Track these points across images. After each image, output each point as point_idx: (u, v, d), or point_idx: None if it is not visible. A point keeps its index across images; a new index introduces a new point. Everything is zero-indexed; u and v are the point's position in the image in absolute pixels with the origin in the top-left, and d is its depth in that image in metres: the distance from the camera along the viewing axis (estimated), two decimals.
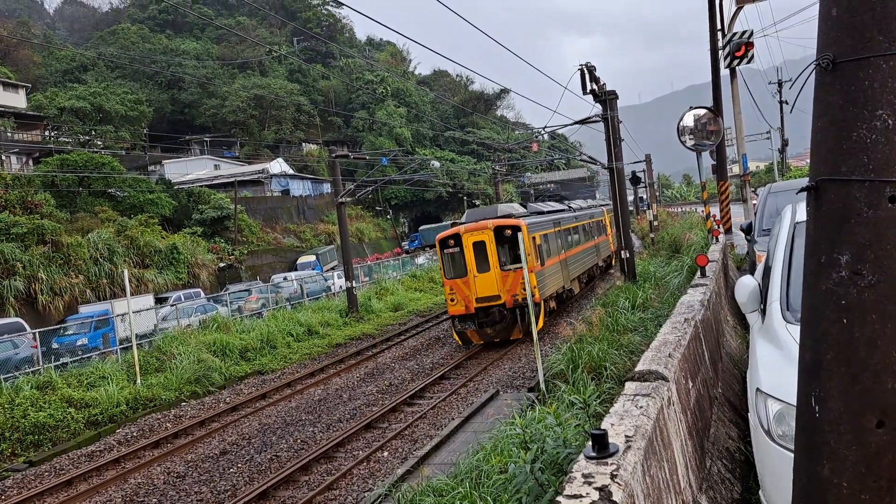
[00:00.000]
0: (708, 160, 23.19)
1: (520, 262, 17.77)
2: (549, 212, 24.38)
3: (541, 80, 21.43)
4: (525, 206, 23.52)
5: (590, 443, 3.17)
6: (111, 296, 30.52)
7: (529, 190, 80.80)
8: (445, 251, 19.01)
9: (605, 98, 19.35)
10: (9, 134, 47.27)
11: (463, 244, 18.70)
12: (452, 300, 18.73)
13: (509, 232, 18.32)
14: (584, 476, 2.91)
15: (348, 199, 29.66)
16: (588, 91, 18.97)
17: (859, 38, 2.19)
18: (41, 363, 18.36)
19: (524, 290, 17.04)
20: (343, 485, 10.52)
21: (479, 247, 18.55)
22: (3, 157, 43.50)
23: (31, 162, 47.08)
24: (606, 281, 29.29)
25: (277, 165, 60.03)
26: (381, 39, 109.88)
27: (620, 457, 3.07)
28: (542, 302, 19.00)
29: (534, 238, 19.18)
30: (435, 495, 6.89)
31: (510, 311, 18.44)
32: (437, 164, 54.30)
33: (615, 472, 2.90)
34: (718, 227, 19.56)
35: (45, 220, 31.25)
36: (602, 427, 3.41)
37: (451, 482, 6.92)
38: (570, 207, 29.03)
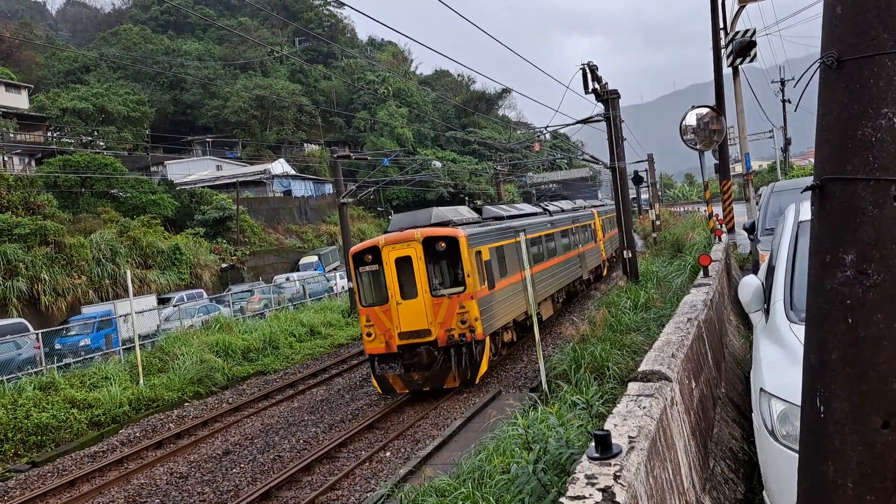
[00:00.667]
0: (711, 159, 23.15)
1: (459, 284, 14.63)
2: (510, 217, 20.16)
3: (542, 79, 21.41)
4: (480, 211, 19.65)
5: (593, 443, 3.16)
6: (114, 296, 30.57)
7: (531, 190, 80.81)
8: (361, 269, 14.99)
9: (607, 97, 19.31)
10: (11, 135, 47.38)
11: (383, 261, 14.67)
12: (369, 335, 14.66)
13: (443, 245, 14.51)
14: (587, 477, 2.89)
15: (350, 200, 29.67)
16: (590, 90, 18.90)
17: (864, 35, 2.18)
18: (44, 364, 18.38)
19: (462, 322, 14.20)
20: (345, 485, 10.51)
21: (404, 264, 14.61)
22: (6, 158, 43.56)
23: (33, 163, 47.18)
24: (592, 295, 25.16)
25: (279, 166, 60.07)
26: (382, 39, 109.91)
27: (624, 457, 3.05)
28: (489, 338, 14.98)
29: (479, 252, 15.21)
30: (437, 495, 6.87)
31: (444, 350, 14.36)
32: (438, 164, 54.22)
33: (618, 473, 2.89)
34: (721, 226, 19.52)
35: (47, 220, 31.30)
36: (605, 428, 3.40)
37: (454, 482, 6.90)
38: (545, 210, 24.61)
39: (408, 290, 14.60)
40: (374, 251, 14.84)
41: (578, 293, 25.51)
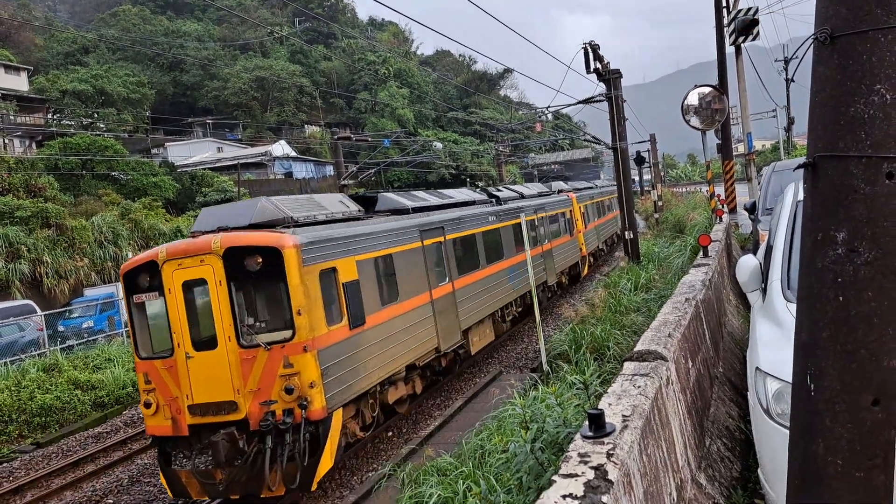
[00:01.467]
0: (713, 139, 23.05)
1: (284, 326, 8.91)
2: (421, 208, 14.05)
3: (544, 59, 21.27)
4: (373, 201, 13.49)
5: (587, 422, 3.18)
6: (116, 279, 30.66)
7: (533, 171, 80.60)
8: (136, 299, 9.39)
9: (609, 77, 19.16)
10: (11, 117, 47.30)
11: (164, 285, 9.07)
12: (148, 405, 9.07)
13: (259, 260, 8.81)
14: (581, 455, 2.91)
15: (351, 182, 29.61)
16: (592, 70, 18.74)
17: (857, 11, 2.15)
18: (47, 346, 18.50)
19: (288, 391, 8.51)
20: (348, 465, 10.60)
21: (197, 293, 9.25)
22: (7, 141, 43.51)
23: (34, 145, 47.15)
24: (561, 304, 20.00)
25: (280, 148, 59.92)
26: (382, 20, 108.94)
27: (617, 436, 3.07)
28: (342, 411, 9.37)
29: (331, 271, 9.54)
30: (439, 474, 6.94)
31: (258, 435, 8.67)
32: (439, 145, 54.01)
33: (611, 452, 2.91)
34: (722, 206, 19.48)
35: (48, 203, 31.31)
36: (599, 407, 3.41)
37: (455, 461, 6.96)
38: (493, 197, 18.64)
39: (202, 336, 9.12)
40: (152, 269, 9.19)
41: (542, 303, 18.64)
